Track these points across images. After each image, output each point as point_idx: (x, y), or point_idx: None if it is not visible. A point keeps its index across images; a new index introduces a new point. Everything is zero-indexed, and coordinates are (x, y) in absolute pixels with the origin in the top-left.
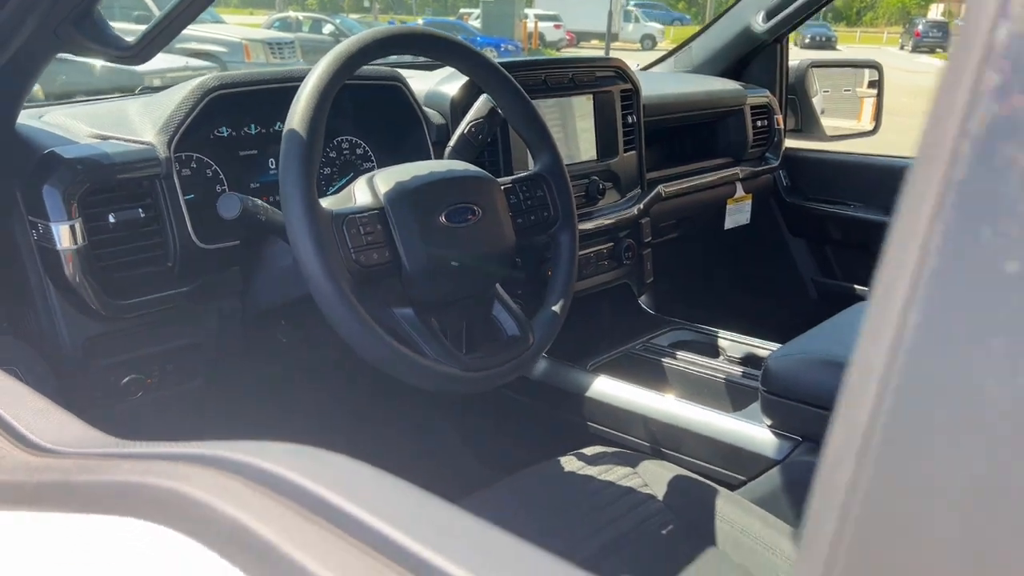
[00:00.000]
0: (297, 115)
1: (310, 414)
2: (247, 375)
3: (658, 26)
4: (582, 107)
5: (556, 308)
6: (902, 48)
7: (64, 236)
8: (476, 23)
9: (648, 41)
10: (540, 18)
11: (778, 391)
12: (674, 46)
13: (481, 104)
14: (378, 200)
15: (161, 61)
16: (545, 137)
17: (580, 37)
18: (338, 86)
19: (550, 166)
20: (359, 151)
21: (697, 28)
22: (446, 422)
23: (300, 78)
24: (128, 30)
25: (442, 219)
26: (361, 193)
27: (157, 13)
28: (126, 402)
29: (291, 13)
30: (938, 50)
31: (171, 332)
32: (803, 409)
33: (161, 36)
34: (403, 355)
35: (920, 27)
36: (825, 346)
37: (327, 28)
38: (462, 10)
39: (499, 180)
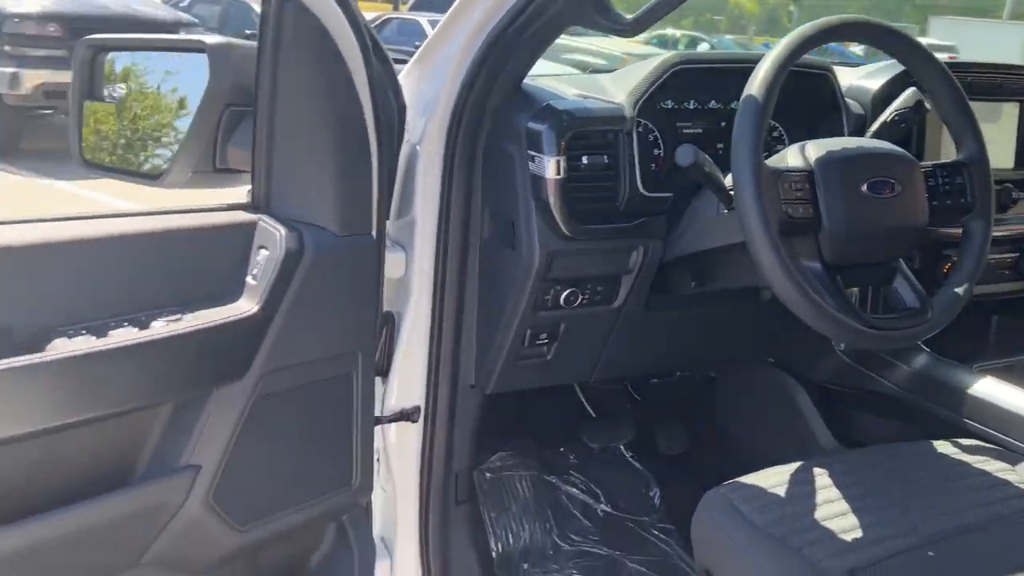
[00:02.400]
0: (757, 82)
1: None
2: (651, 309)
3: None
4: (1006, 113)
5: (960, 290)
6: None
7: (551, 168)
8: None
9: None
10: None
11: None
12: None
13: (908, 96)
14: (808, 164)
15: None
16: (974, 127)
17: None
18: (795, 61)
19: (975, 156)
20: (775, 133)
21: None
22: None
23: (751, 60)
24: None
25: (864, 188)
26: (793, 157)
27: None
28: (563, 311)
29: (669, 30)
30: None
31: (606, 260)
32: None
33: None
34: (814, 301)
35: None
36: None
37: (702, 46)
38: None
39: (920, 163)
